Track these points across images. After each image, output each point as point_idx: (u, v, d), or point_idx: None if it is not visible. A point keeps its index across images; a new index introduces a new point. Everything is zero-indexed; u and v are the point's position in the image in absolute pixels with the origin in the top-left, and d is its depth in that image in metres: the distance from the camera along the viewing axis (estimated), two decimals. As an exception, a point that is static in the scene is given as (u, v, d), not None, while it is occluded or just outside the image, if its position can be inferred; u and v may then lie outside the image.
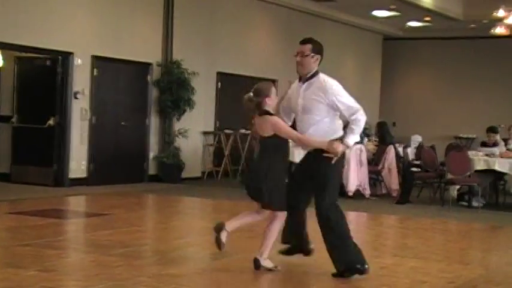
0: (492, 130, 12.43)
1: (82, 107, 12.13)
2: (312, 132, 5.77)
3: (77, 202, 10.70)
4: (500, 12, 13.07)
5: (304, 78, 5.90)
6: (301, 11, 16.74)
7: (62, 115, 11.96)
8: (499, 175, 11.62)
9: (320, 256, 6.78)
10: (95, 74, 12.29)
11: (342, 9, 17.18)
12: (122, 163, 12.80)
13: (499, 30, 13.44)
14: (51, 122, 12.02)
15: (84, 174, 12.22)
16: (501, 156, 11.28)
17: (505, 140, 12.83)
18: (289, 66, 16.73)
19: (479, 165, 11.16)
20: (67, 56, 11.88)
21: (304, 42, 5.94)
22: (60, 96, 11.96)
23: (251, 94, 5.83)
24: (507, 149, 11.88)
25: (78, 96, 12.03)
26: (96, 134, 12.35)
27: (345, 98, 5.84)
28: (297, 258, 6.22)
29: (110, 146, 12.66)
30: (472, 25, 17.86)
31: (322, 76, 5.90)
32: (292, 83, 6.05)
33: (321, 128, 5.77)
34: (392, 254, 7.41)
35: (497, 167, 11.08)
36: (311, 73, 5.90)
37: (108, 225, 8.15)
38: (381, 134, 13.88)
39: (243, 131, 14.43)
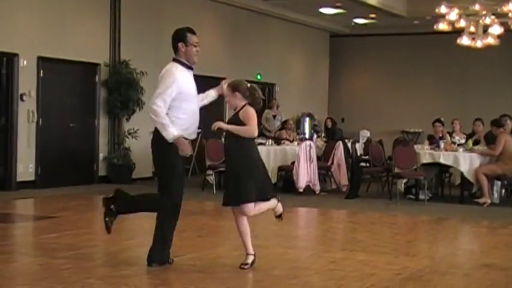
0: (438, 121, 12.72)
1: (28, 109, 11.95)
2: None
3: (24, 205, 10.54)
4: (442, 9, 13.34)
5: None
6: (248, 10, 16.80)
7: (7, 118, 11.76)
8: (445, 168, 11.90)
9: (269, 253, 6.86)
10: (41, 75, 12.11)
11: (288, 7, 17.30)
12: (70, 165, 12.65)
13: (442, 26, 13.71)
14: (-4, 125, 11.82)
15: (32, 177, 12.04)
16: (445, 149, 11.54)
17: (450, 133, 13.13)
18: (237, 64, 16.85)
19: (425, 159, 11.41)
20: (12, 57, 11.68)
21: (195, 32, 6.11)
22: (6, 99, 11.76)
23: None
24: (451, 142, 12.15)
25: (24, 98, 11.85)
26: (44, 136, 12.18)
27: (158, 89, 5.93)
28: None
29: (58, 148, 12.50)
30: (416, 21, 18.20)
31: (169, 64, 6.06)
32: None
33: None
34: (341, 248, 7.53)
35: (442, 160, 11.34)
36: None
37: (56, 228, 8.06)
38: (331, 130, 14.09)
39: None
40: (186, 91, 5.91)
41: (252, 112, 5.99)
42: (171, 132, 5.75)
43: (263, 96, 6.10)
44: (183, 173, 6.08)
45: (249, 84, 6.08)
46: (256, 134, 6.10)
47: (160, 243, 6.00)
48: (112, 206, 6.12)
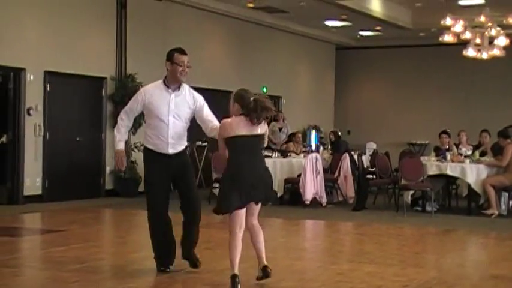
0: (445, 132, 12.71)
1: (35, 123, 12.00)
2: None
3: (31, 219, 10.56)
4: (448, 21, 13.36)
5: (175, 87, 6.16)
6: (254, 23, 16.87)
7: (14, 132, 11.81)
8: (452, 179, 11.87)
9: (277, 265, 6.85)
10: (48, 89, 12.17)
11: (294, 20, 17.37)
12: (77, 179, 12.68)
13: (447, 38, 13.73)
14: (3, 139, 11.85)
15: (39, 191, 12.07)
16: (452, 160, 11.52)
17: (456, 145, 13.10)
18: (243, 77, 16.90)
19: (432, 170, 11.38)
20: (19, 72, 11.75)
21: (186, 53, 6.23)
22: (13, 113, 11.81)
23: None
24: (458, 154, 12.13)
25: (31, 112, 11.90)
26: (51, 150, 12.22)
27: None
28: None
29: (65, 161, 12.53)
30: (421, 33, 18.24)
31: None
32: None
33: None
34: (348, 260, 7.50)
35: (449, 172, 11.31)
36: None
37: (63, 242, 8.06)
38: (335, 143, 14.07)
39: (199, 143, 14.44)
40: (152, 109, 6.11)
41: (222, 124, 5.80)
42: (117, 146, 6.32)
43: (273, 107, 5.87)
44: (160, 183, 6.14)
45: (252, 98, 5.78)
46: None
47: (156, 251, 6.26)
48: None
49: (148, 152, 6.20)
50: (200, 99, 6.24)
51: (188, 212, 6.25)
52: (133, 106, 6.20)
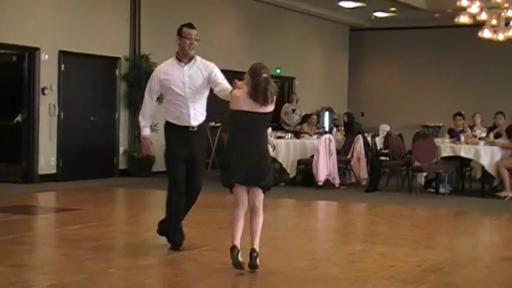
0: (459, 114, 12.66)
1: (50, 102, 12.06)
2: None
3: (46, 198, 10.65)
4: (464, 2, 13.22)
5: (187, 60, 6.30)
6: (267, 3, 16.79)
7: (29, 111, 11.88)
8: (465, 161, 11.83)
9: (289, 245, 6.88)
10: (62, 69, 12.22)
11: (307, 1, 17.26)
12: (91, 158, 12.75)
13: (463, 19, 13.58)
14: (18, 118, 11.93)
15: (53, 170, 12.16)
16: (466, 142, 11.47)
17: (471, 127, 13.04)
18: (256, 59, 16.83)
19: (446, 152, 11.35)
20: (33, 51, 11.79)
21: (195, 27, 6.34)
22: (28, 92, 11.87)
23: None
24: (472, 136, 12.07)
25: (46, 91, 11.96)
26: (65, 129, 12.28)
27: None
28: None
29: (79, 141, 12.59)
30: (437, 14, 18.08)
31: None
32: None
33: None
34: (361, 240, 7.53)
35: (462, 154, 11.27)
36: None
37: (77, 220, 8.13)
38: (348, 124, 14.05)
39: (212, 123, 14.45)
40: (168, 84, 6.26)
41: (231, 95, 5.76)
42: (143, 132, 6.54)
43: (271, 96, 5.66)
44: (181, 159, 6.31)
45: (264, 75, 5.66)
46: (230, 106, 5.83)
47: (168, 219, 6.38)
48: None
49: (170, 127, 6.36)
50: (211, 65, 6.37)
51: (189, 192, 6.30)
52: (152, 86, 6.39)
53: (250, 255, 5.61)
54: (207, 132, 6.53)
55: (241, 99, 5.65)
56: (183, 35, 6.26)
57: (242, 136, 5.68)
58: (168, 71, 6.30)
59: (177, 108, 6.28)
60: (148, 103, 6.43)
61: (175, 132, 6.31)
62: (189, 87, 6.23)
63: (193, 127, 6.27)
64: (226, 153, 5.79)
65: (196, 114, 6.29)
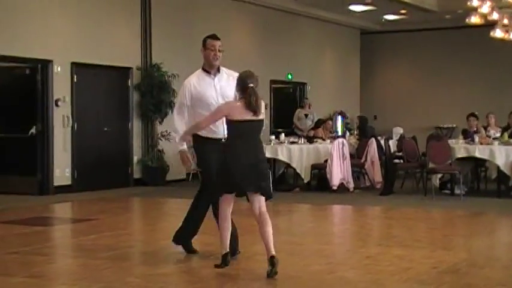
0: (473, 115, 12.61)
1: (64, 114, 12.14)
2: None
3: (62, 209, 10.71)
4: (475, 2, 13.18)
5: (215, 71, 6.29)
6: (278, 10, 16.83)
7: (43, 123, 11.96)
8: (480, 162, 11.78)
9: (305, 249, 6.87)
10: (75, 80, 12.30)
11: (318, 6, 17.28)
12: (106, 168, 12.81)
13: (474, 19, 13.54)
14: (33, 130, 12.02)
15: (68, 182, 12.23)
16: (480, 143, 11.42)
17: (485, 128, 12.99)
18: (268, 64, 16.90)
19: (460, 153, 11.30)
20: (46, 64, 11.88)
21: (219, 38, 6.34)
22: (41, 105, 11.96)
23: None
24: (486, 136, 12.02)
25: (59, 103, 12.04)
26: (79, 140, 12.36)
27: None
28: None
29: (93, 152, 12.67)
30: (447, 16, 18.04)
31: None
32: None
33: None
34: (377, 243, 7.51)
35: (477, 154, 11.22)
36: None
37: (94, 230, 8.18)
38: (362, 128, 14.03)
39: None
40: (201, 97, 6.19)
41: (231, 104, 5.88)
42: (179, 147, 6.22)
43: (256, 105, 5.74)
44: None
45: (250, 85, 5.78)
46: (203, 125, 6.00)
47: (185, 224, 6.43)
48: None
49: (204, 141, 6.14)
50: (236, 74, 6.26)
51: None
52: (182, 100, 6.29)
53: (272, 262, 5.57)
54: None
55: (237, 108, 5.75)
56: (207, 47, 6.24)
57: (241, 146, 5.76)
58: (199, 84, 6.22)
59: (215, 123, 6.09)
60: (181, 119, 6.23)
61: (211, 145, 6.11)
62: (222, 98, 6.13)
63: (226, 139, 6.10)
64: (221, 163, 5.83)
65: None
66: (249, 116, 5.74)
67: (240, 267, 6.00)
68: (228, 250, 5.83)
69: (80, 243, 7.53)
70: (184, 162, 6.25)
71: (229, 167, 5.76)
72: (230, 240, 5.97)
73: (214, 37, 6.31)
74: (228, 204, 5.89)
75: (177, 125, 6.30)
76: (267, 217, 5.75)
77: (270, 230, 5.70)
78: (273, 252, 5.62)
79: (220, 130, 6.15)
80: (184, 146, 6.22)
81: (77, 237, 8.03)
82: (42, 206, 10.62)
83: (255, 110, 5.74)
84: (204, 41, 6.32)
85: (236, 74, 6.22)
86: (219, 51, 6.24)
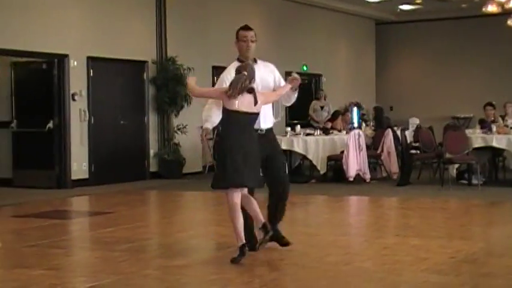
0: (490, 104, 12.53)
1: (80, 108, 12.21)
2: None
3: (80, 202, 10.79)
4: (491, -10, 13.09)
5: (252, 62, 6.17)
6: (292, 1, 16.79)
7: (60, 117, 12.04)
8: (498, 151, 11.70)
9: (322, 240, 6.87)
10: (91, 74, 12.36)
11: (333, -4, 17.24)
12: (122, 162, 12.88)
13: (491, 8, 13.44)
14: (50, 125, 12.10)
15: (86, 175, 12.31)
16: (498, 132, 11.35)
17: (502, 117, 12.90)
18: (283, 56, 16.86)
19: (477, 143, 11.24)
20: (62, 58, 11.95)
21: (251, 28, 6.25)
22: (58, 99, 12.04)
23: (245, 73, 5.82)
24: (504, 125, 11.93)
25: (76, 97, 12.11)
26: (96, 134, 12.43)
27: None
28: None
29: (110, 145, 12.73)
30: (464, 5, 17.90)
31: None
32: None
33: None
34: (394, 234, 7.50)
35: (494, 144, 11.15)
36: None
37: (111, 223, 8.23)
38: (377, 119, 13.97)
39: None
40: None
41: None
42: (204, 124, 6.05)
43: (236, 87, 5.75)
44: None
45: (245, 72, 5.82)
46: (194, 92, 6.15)
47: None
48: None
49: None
50: (271, 65, 6.32)
51: (276, 192, 6.16)
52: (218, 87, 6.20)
53: (264, 227, 5.81)
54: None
55: (225, 96, 5.80)
56: (239, 38, 6.17)
57: (237, 138, 5.81)
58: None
59: None
60: (215, 110, 6.00)
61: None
62: (261, 88, 6.03)
63: (261, 130, 6.05)
64: (220, 155, 5.86)
65: (266, 116, 6.08)
66: (235, 107, 5.75)
67: (257, 258, 6.01)
68: (244, 241, 5.80)
69: (98, 236, 7.58)
70: (201, 138, 6.11)
71: (223, 158, 5.80)
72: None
73: (245, 28, 6.22)
74: (235, 194, 5.84)
75: (210, 118, 6.04)
76: (249, 196, 5.91)
77: (255, 203, 5.86)
78: (264, 220, 5.83)
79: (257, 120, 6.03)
80: (209, 125, 6.04)
81: (94, 230, 8.09)
82: (60, 199, 10.70)
83: (236, 100, 5.73)
84: (236, 33, 6.22)
85: (271, 65, 6.26)
86: (251, 41, 6.14)
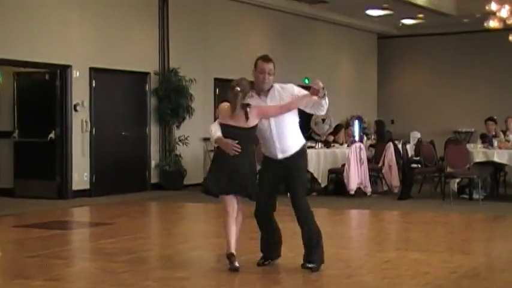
0: (491, 119, 12.54)
1: (82, 118, 12.23)
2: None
3: (80, 213, 10.78)
4: (493, 6, 13.13)
5: (266, 91, 6.06)
6: (294, 14, 16.84)
7: (62, 128, 12.05)
8: (499, 166, 11.69)
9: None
10: (93, 85, 12.39)
11: (335, 10, 17.27)
12: (124, 173, 12.88)
13: (492, 23, 13.49)
14: (52, 135, 12.11)
15: (87, 186, 12.30)
16: (499, 147, 11.35)
17: (503, 132, 12.90)
18: (285, 69, 16.93)
19: (479, 158, 11.23)
20: (65, 69, 11.98)
21: (270, 60, 6.07)
22: (60, 109, 12.06)
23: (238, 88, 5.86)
24: (506, 140, 11.93)
25: (78, 108, 12.13)
26: (97, 145, 12.44)
27: None
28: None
29: (111, 156, 12.74)
30: (465, 20, 17.95)
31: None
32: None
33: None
34: (394, 247, 7.49)
35: (496, 158, 11.14)
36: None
37: (112, 234, 8.23)
38: (379, 132, 13.98)
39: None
40: None
41: (221, 106, 6.09)
42: (215, 135, 5.98)
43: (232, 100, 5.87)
44: (266, 183, 6.09)
45: (238, 88, 5.86)
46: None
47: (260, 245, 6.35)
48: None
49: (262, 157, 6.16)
50: (289, 87, 6.07)
51: (296, 214, 6.14)
52: None
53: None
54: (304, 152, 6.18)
55: (226, 112, 5.94)
56: (257, 69, 5.98)
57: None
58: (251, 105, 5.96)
59: (264, 142, 6.03)
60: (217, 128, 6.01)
61: (266, 161, 6.10)
62: (274, 118, 5.94)
63: (280, 159, 6.01)
64: (214, 163, 6.05)
65: (284, 147, 5.96)
66: (232, 122, 5.85)
67: (258, 270, 6.00)
68: (231, 251, 5.83)
69: (98, 246, 7.57)
70: (228, 146, 5.85)
71: (216, 172, 5.95)
72: (271, 244, 6.13)
73: (265, 59, 6.01)
74: (228, 202, 5.95)
75: (214, 129, 6.02)
76: (238, 218, 6.02)
77: (235, 229, 5.96)
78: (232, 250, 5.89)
79: (272, 150, 6.01)
80: (219, 133, 5.97)
81: (95, 241, 8.08)
82: (61, 209, 10.70)
83: (237, 115, 5.82)
84: (256, 63, 6.02)
85: (290, 86, 6.08)
86: (268, 74, 5.95)
